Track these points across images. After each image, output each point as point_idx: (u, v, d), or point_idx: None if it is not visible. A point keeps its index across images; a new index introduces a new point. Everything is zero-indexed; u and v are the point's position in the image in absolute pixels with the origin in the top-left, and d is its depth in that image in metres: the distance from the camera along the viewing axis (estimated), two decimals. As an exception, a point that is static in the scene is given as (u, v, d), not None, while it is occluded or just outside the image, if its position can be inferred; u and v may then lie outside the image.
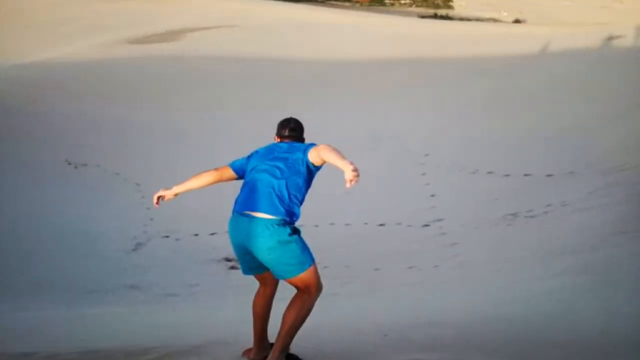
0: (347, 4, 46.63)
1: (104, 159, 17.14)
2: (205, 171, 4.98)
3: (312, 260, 4.59)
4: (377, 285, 10.17)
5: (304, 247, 4.60)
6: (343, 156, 4.33)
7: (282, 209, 4.52)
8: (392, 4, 47.04)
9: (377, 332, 5.77)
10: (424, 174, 15.57)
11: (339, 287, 10.42)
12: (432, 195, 14.26)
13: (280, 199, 4.54)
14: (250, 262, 4.71)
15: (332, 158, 4.40)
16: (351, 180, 4.12)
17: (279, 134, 5.04)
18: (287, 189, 4.58)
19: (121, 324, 7.95)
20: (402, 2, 47.29)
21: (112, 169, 16.62)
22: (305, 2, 42.22)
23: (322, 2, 46.08)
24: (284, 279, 4.60)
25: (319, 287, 4.62)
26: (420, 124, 18.89)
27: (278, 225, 4.49)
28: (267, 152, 4.84)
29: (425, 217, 13.21)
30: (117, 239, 13.53)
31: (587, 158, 13.84)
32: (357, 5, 46.51)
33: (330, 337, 5.77)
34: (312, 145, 4.70)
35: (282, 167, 4.65)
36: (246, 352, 5.02)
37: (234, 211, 4.72)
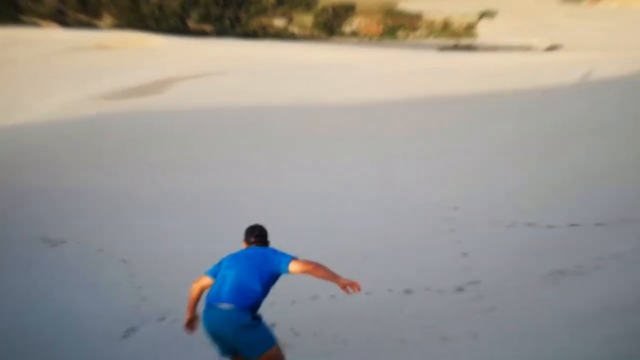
0: (353, 39, 47.33)
1: (84, 235, 17.19)
2: (194, 284, 6.51)
3: (274, 341, 6.05)
4: (406, 361, 10.18)
5: (266, 330, 6.08)
6: (333, 273, 6.03)
7: (244, 301, 5.95)
8: (406, 36, 47.70)
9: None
10: (453, 230, 15.57)
11: (361, 365, 10.46)
12: (464, 254, 14.25)
13: (243, 292, 5.98)
14: (223, 347, 6.09)
15: (324, 278, 6.03)
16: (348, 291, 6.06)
17: (247, 240, 6.50)
18: (248, 284, 6.00)
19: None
20: (417, 33, 47.94)
21: (95, 245, 16.67)
22: (305, 41, 43.03)
23: (326, 38, 46.84)
24: (251, 357, 5.98)
25: None
26: (445, 172, 18.89)
27: (241, 313, 5.91)
28: (235, 257, 6.29)
29: (458, 279, 13.17)
30: (105, 324, 13.52)
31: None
32: (366, 39, 47.20)
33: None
34: (290, 257, 6.10)
35: (246, 268, 6.10)
36: None
37: (206, 304, 6.19)
